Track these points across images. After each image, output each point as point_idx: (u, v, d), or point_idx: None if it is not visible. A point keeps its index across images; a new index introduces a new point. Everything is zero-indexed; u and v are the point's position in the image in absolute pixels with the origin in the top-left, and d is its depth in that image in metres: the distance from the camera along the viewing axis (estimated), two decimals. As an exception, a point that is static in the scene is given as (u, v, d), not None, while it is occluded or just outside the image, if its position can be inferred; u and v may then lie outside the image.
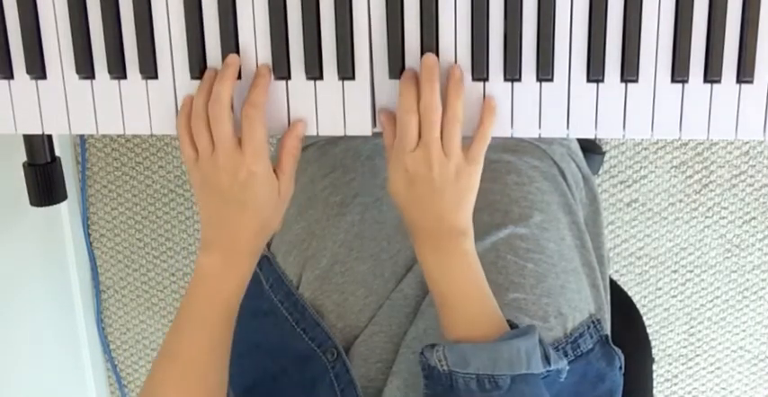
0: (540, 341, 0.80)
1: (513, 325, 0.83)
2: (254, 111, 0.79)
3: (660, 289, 1.77)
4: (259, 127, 0.79)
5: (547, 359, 0.80)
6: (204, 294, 0.83)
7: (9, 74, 0.86)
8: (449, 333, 0.82)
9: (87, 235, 1.80)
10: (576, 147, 1.10)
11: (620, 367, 0.98)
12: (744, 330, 1.79)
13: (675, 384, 1.85)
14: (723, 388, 1.84)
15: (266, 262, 0.99)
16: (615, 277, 1.74)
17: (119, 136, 1.74)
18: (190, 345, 0.82)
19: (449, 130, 0.78)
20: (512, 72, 0.81)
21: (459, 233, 0.81)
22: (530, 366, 0.78)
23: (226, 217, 0.82)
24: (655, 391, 1.67)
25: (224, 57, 0.83)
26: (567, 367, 0.82)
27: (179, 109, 0.83)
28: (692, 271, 1.75)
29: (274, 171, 0.82)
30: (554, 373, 0.82)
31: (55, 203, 1.04)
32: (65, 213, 1.72)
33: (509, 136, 0.84)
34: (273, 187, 0.82)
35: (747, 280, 1.75)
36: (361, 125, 0.84)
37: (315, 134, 0.85)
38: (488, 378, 0.76)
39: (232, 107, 0.81)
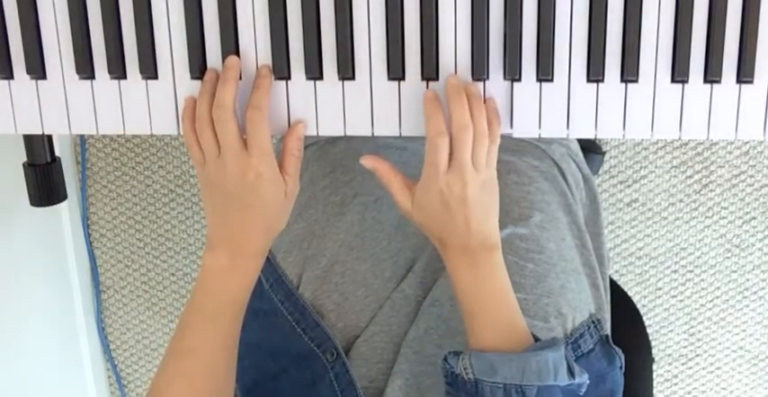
0: (566, 355, 0.80)
1: (535, 338, 0.83)
2: (257, 114, 0.79)
3: (660, 289, 1.77)
4: (263, 129, 0.79)
5: (571, 372, 0.80)
6: (211, 293, 0.83)
7: (9, 75, 0.86)
8: (476, 343, 0.82)
9: (87, 235, 1.80)
10: (576, 147, 1.10)
11: (621, 367, 0.98)
12: (744, 330, 1.79)
13: (675, 384, 1.85)
14: (723, 388, 1.84)
15: (266, 262, 0.99)
16: (615, 277, 1.74)
17: (119, 136, 1.74)
18: (198, 343, 0.82)
19: (477, 146, 0.79)
20: (512, 72, 0.81)
21: (492, 247, 0.82)
22: (557, 378, 0.78)
23: (233, 218, 0.82)
24: (655, 391, 1.67)
25: (224, 57, 0.83)
26: (588, 381, 0.82)
27: (182, 112, 0.83)
28: (692, 271, 1.75)
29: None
30: (575, 386, 0.82)
31: (55, 203, 1.04)
32: (65, 213, 1.72)
33: (509, 136, 0.84)
34: (280, 187, 0.82)
35: (747, 280, 1.75)
36: (361, 125, 0.84)
37: (315, 134, 0.85)
38: (516, 388, 0.77)
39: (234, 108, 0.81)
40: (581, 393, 0.82)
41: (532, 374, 0.77)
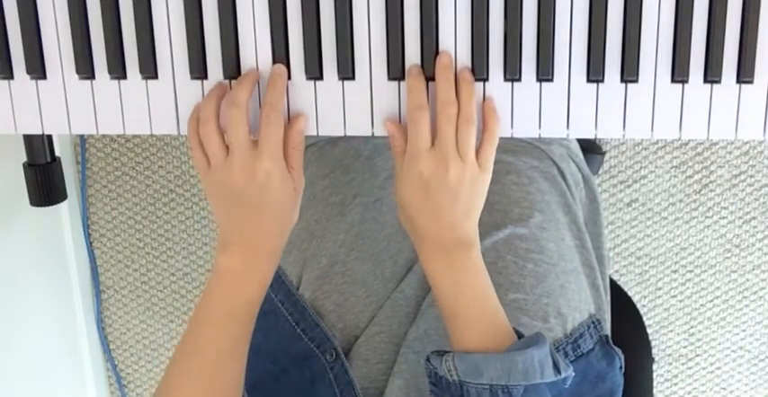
0: (550, 350, 0.80)
1: (518, 334, 0.82)
2: (274, 112, 0.79)
3: (660, 289, 1.77)
4: (278, 129, 0.79)
5: (557, 368, 0.79)
6: (225, 294, 0.82)
7: (9, 75, 0.86)
8: (458, 344, 0.81)
9: (87, 235, 1.80)
10: (576, 147, 1.10)
11: (621, 367, 0.98)
12: (744, 330, 1.79)
13: (675, 384, 1.85)
14: (723, 388, 1.84)
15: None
16: (615, 277, 1.74)
17: (119, 136, 1.74)
18: (211, 342, 0.82)
19: (463, 131, 0.77)
20: (512, 72, 0.81)
21: (470, 245, 0.81)
22: (543, 376, 0.77)
23: (246, 219, 0.81)
24: (655, 391, 1.67)
25: (224, 57, 0.83)
26: (573, 374, 0.82)
27: (189, 116, 0.83)
28: (691, 271, 1.75)
29: None
30: (560, 380, 0.82)
31: (55, 203, 1.04)
32: (65, 213, 1.72)
33: (509, 136, 0.84)
34: (289, 185, 0.81)
35: (747, 280, 1.75)
36: (361, 125, 0.84)
37: (315, 134, 0.85)
38: (502, 389, 0.76)
39: None
40: (566, 386, 0.82)
41: (519, 373, 0.76)
